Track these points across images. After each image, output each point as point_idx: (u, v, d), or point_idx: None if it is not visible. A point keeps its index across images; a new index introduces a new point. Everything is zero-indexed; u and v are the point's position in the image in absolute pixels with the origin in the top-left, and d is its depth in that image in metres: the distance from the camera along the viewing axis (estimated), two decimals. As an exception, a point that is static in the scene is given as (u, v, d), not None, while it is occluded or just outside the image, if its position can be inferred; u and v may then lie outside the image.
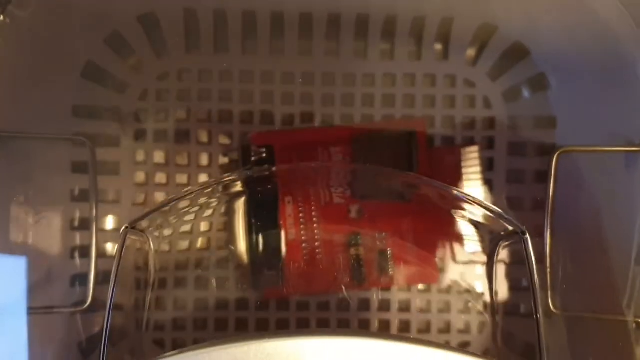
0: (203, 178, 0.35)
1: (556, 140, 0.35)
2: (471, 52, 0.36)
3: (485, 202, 0.32)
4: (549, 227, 0.28)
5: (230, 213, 0.35)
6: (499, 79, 0.36)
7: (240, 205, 0.35)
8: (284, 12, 0.34)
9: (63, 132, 0.34)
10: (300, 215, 0.35)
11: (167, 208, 0.31)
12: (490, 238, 0.33)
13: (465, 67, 0.36)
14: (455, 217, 0.34)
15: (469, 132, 0.36)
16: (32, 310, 0.28)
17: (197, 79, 0.35)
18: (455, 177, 0.36)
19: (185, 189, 0.33)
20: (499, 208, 0.35)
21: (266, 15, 0.35)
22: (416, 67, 0.36)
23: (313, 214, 0.35)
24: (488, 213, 0.30)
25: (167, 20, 0.35)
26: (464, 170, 0.36)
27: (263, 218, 0.35)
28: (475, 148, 0.36)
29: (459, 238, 0.35)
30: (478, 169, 0.36)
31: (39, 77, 0.33)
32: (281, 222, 0.35)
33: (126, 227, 0.28)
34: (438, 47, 0.36)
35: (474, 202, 0.30)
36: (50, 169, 0.34)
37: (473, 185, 0.36)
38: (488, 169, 0.36)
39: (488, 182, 0.36)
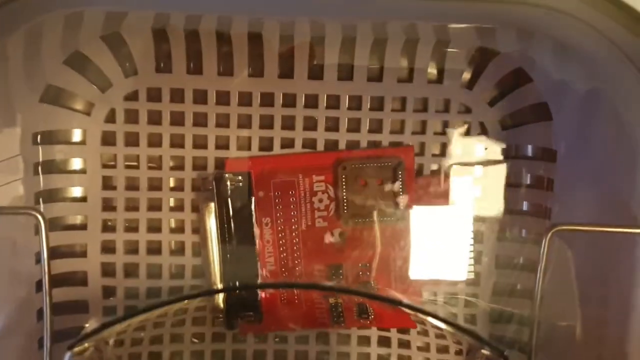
0: (174, 201, 0.34)
1: (556, 176, 0.33)
2: (467, 75, 0.33)
3: (468, 328, 0.30)
4: (538, 296, 0.26)
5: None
6: (496, 105, 0.33)
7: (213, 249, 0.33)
8: (262, 32, 0.31)
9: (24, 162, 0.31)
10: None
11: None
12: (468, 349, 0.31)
13: (461, 91, 0.33)
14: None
15: (463, 160, 0.34)
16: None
17: (168, 100, 0.33)
18: (445, 208, 0.34)
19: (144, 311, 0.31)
20: (493, 235, 0.34)
21: (243, 36, 0.31)
22: (407, 89, 0.33)
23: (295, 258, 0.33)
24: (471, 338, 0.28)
25: (135, 39, 0.32)
26: (455, 201, 0.34)
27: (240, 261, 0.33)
28: (468, 178, 0.34)
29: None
30: (471, 199, 0.34)
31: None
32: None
33: (70, 350, 0.26)
34: (432, 68, 0.33)
35: (456, 327, 0.28)
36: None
37: (464, 216, 0.34)
38: (482, 199, 0.34)
39: (481, 213, 0.34)
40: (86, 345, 0.26)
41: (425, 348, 0.34)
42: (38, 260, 0.32)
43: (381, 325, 0.34)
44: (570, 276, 0.31)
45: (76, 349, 0.26)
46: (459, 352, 0.32)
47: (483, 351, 0.26)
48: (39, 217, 0.25)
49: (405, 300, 0.32)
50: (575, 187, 0.32)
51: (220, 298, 0.33)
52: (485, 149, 0.34)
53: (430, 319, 0.30)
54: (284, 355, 0.34)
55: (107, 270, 0.34)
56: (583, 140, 0.31)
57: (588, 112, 0.31)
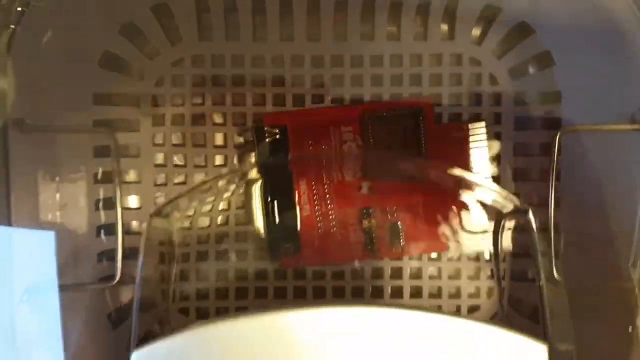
0: (219, 158, 0.37)
1: (562, 115, 0.36)
2: (476, 32, 0.37)
3: (491, 184, 0.34)
4: (552, 200, 0.29)
5: (247, 194, 0.37)
6: (504, 57, 0.37)
7: (256, 188, 0.37)
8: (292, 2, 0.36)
9: (85, 119, 0.35)
10: (314, 192, 0.36)
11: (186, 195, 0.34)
12: (496, 215, 0.34)
13: (471, 46, 0.37)
14: (463, 194, 0.36)
15: (476, 108, 0.37)
16: (62, 287, 0.30)
17: (210, 65, 0.37)
18: (463, 152, 0.37)
19: (205, 180, 0.36)
20: (506, 180, 0.37)
21: (274, 2, 0.36)
22: (423, 47, 0.37)
23: (326, 191, 0.37)
24: (493, 193, 0.32)
25: (180, 9, 0.36)
26: (471, 145, 0.37)
27: (279, 197, 0.36)
28: (482, 124, 0.37)
29: (466, 211, 0.36)
30: (485, 143, 0.37)
31: (59, 66, 0.34)
32: (296, 200, 0.36)
33: (150, 216, 0.30)
34: (444, 27, 0.37)
35: (479, 184, 0.32)
36: (75, 154, 0.35)
37: (480, 159, 0.37)
38: (496, 137, 0.37)
39: (495, 157, 0.37)
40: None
41: (456, 275, 0.37)
42: (98, 233, 0.36)
43: (413, 252, 0.37)
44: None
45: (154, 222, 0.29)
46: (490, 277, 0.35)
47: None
48: (109, 131, 0.29)
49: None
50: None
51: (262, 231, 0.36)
52: (497, 97, 0.37)
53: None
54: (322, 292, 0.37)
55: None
56: (586, 80, 0.35)
57: (590, 53, 0.34)
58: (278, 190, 0.37)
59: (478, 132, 0.37)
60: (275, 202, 0.36)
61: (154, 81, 0.37)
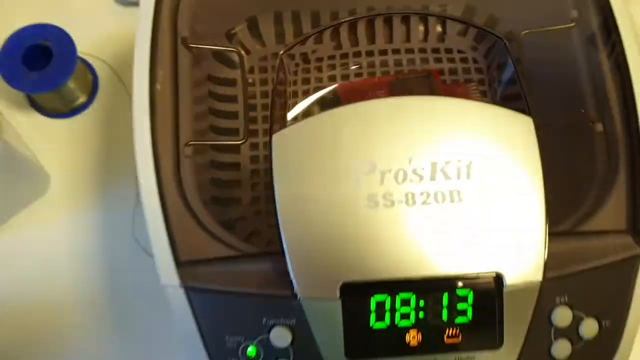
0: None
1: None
2: (460, 28, 0.55)
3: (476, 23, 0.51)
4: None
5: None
6: (481, 44, 0.55)
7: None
8: (339, 11, 0.54)
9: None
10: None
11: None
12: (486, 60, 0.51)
13: (458, 39, 0.55)
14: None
15: (467, 77, 0.54)
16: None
17: (284, 62, 0.54)
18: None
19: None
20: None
21: (326, 15, 0.54)
22: (426, 44, 0.55)
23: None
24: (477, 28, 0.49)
25: (263, 20, 0.54)
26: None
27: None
28: (474, 85, 0.54)
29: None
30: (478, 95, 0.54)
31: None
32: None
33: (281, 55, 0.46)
34: (438, 28, 0.55)
35: (466, 22, 0.49)
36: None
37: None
38: (482, 95, 0.54)
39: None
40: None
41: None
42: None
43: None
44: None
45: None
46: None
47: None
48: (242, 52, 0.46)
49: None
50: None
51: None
52: (479, 69, 0.54)
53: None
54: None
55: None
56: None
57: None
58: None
59: (471, 91, 0.54)
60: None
61: (247, 70, 0.53)
